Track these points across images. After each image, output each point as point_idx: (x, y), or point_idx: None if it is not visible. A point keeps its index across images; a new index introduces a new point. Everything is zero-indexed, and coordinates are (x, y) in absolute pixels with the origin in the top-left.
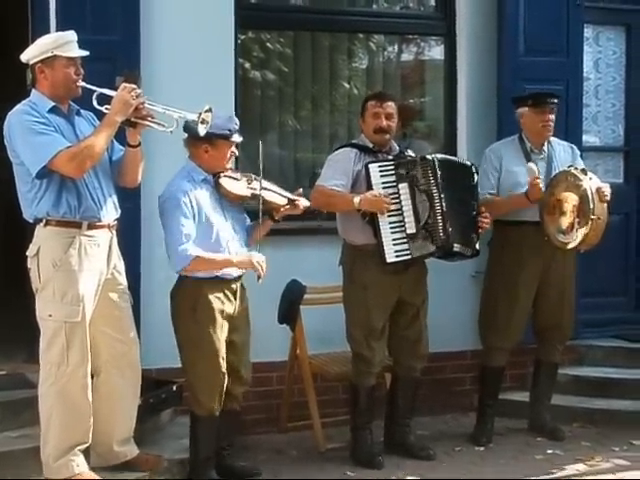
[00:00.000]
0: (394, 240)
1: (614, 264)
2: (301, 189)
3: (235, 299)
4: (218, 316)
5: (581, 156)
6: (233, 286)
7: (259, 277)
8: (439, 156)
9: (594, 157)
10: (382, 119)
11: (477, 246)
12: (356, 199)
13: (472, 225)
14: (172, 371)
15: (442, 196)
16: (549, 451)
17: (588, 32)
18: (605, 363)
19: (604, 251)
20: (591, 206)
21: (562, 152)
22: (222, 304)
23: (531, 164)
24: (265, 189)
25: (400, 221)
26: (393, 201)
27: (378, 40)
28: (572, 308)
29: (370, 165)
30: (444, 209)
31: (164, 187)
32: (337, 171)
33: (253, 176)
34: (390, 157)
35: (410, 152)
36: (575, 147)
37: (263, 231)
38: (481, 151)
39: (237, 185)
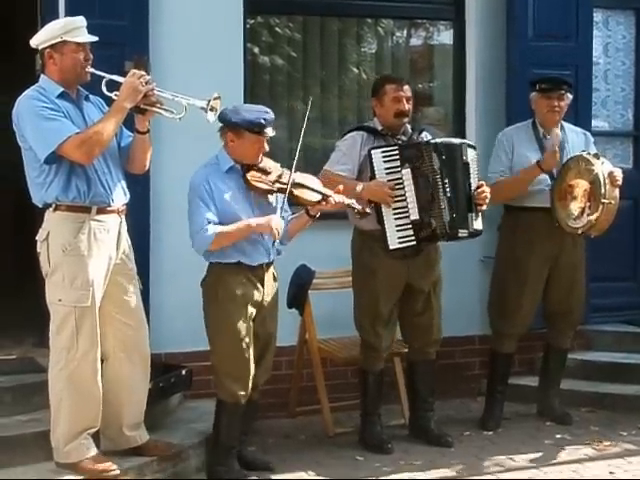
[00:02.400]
0: (397, 226)
1: (623, 249)
2: (341, 186)
3: (262, 287)
4: (240, 302)
5: (593, 142)
6: (259, 273)
7: (274, 242)
8: (442, 140)
9: (603, 142)
10: (404, 103)
11: (477, 225)
12: (358, 187)
13: (470, 204)
14: (181, 355)
15: (445, 182)
16: (558, 436)
17: (597, 16)
18: (614, 348)
19: (613, 236)
20: (602, 190)
21: (575, 138)
22: (245, 290)
23: (557, 129)
24: (298, 184)
25: (404, 207)
26: (397, 187)
27: (387, 25)
28: (582, 294)
29: (373, 151)
30: (448, 195)
31: (175, 173)
32: (344, 156)
33: (285, 170)
34: (399, 141)
35: (425, 135)
36: (589, 134)
37: (301, 226)
38: (490, 135)
39: (263, 178)
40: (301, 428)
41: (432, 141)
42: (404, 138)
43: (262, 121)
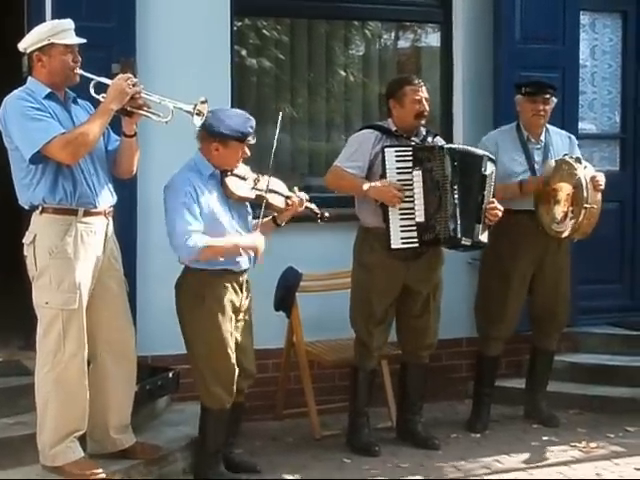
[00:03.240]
0: (402, 227)
1: (610, 251)
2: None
3: (242, 292)
4: (227, 307)
5: (578, 144)
6: (240, 279)
7: (255, 262)
8: (457, 147)
9: (590, 144)
10: (423, 103)
11: (483, 238)
12: (365, 186)
13: (480, 217)
14: (168, 358)
15: (455, 188)
16: (545, 438)
17: (584, 19)
18: (601, 350)
19: (600, 238)
20: (585, 195)
21: (559, 141)
22: (230, 295)
23: (551, 162)
24: (272, 191)
25: (410, 208)
26: (405, 187)
27: (374, 27)
28: (567, 297)
29: (387, 149)
30: (456, 202)
31: (162, 175)
32: (355, 152)
33: (260, 176)
34: (412, 142)
35: (438, 139)
36: (573, 137)
37: (266, 232)
38: (477, 138)
39: (242, 185)
40: (288, 431)
41: (447, 146)
42: (417, 140)
43: (250, 129)
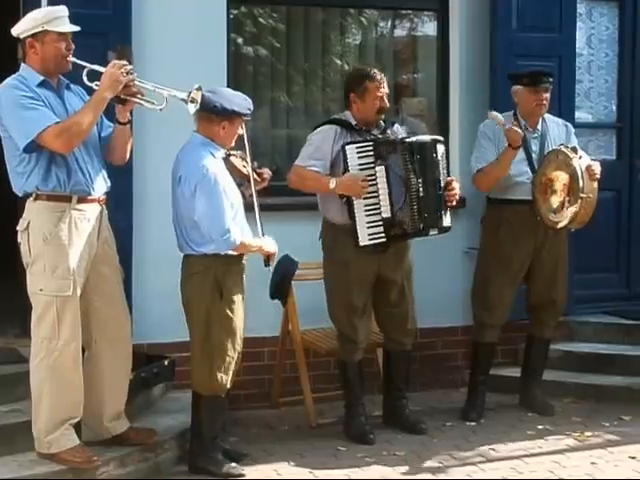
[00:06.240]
0: (368, 223)
1: (606, 240)
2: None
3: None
4: (243, 294)
5: (574, 133)
6: (244, 262)
7: (268, 263)
8: (415, 139)
9: (586, 133)
10: (385, 99)
11: (446, 222)
12: (332, 183)
13: (440, 202)
14: (164, 346)
15: (419, 181)
16: (540, 426)
17: (581, 8)
18: (596, 339)
19: (596, 227)
20: (581, 184)
21: (556, 130)
22: (244, 281)
23: (493, 112)
24: (253, 169)
25: (376, 204)
26: (370, 183)
27: (371, 15)
28: (565, 286)
29: (347, 146)
30: (420, 195)
31: (158, 162)
32: (316, 151)
33: (240, 153)
34: (372, 136)
35: (397, 128)
36: (570, 125)
37: None
38: (473, 126)
39: (240, 163)
40: (284, 419)
41: (407, 140)
42: (377, 132)
43: (251, 106)
